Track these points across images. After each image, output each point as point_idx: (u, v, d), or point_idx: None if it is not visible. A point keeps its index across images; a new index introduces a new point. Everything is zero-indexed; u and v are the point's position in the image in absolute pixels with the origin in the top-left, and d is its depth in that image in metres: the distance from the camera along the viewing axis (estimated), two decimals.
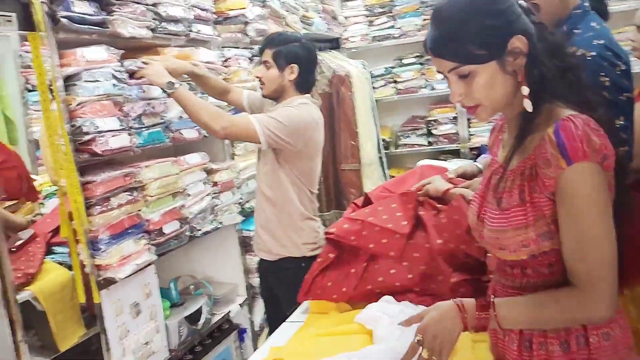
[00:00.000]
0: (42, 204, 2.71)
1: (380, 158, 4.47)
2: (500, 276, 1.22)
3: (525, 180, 1.09)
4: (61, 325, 2.16)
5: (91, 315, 2.25)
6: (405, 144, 4.72)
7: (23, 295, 1.97)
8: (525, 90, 1.06)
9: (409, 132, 4.72)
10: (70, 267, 2.19)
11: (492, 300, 1.13)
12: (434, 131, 4.63)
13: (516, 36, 1.04)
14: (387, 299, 1.66)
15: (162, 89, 2.13)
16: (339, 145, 4.00)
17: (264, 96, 2.41)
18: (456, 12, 1.05)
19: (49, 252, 2.33)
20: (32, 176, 2.67)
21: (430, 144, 4.67)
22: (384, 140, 4.65)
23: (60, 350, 2.14)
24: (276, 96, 2.37)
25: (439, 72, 1.14)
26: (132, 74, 2.16)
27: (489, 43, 1.04)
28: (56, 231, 2.31)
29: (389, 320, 1.50)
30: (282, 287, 2.40)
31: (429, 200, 1.91)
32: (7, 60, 3.05)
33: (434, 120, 4.62)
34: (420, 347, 1.15)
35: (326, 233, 1.92)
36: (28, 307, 2.01)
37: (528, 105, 1.07)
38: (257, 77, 2.38)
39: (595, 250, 1.03)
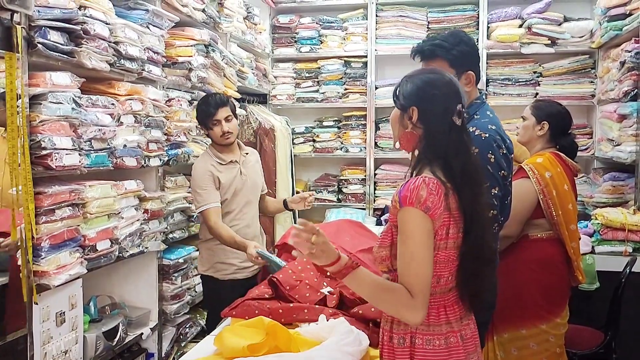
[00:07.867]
0: None
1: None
2: None
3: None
4: None
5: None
6: (317, 198, 5.09)
7: None
8: (397, 144, 1.58)
9: (321, 188, 5.11)
10: None
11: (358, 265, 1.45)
12: (344, 189, 5.05)
13: (413, 108, 1.51)
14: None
15: None
16: None
17: (231, 143, 2.93)
18: None
19: None
20: None
21: (339, 200, 5.08)
22: (297, 192, 4.99)
23: None
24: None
25: None
26: None
27: (399, 99, 1.56)
28: None
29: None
30: None
31: None
32: None
33: (345, 180, 5.05)
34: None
35: (271, 276, 2.20)
36: None
37: (397, 145, 1.58)
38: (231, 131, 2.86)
39: (415, 271, 1.39)
